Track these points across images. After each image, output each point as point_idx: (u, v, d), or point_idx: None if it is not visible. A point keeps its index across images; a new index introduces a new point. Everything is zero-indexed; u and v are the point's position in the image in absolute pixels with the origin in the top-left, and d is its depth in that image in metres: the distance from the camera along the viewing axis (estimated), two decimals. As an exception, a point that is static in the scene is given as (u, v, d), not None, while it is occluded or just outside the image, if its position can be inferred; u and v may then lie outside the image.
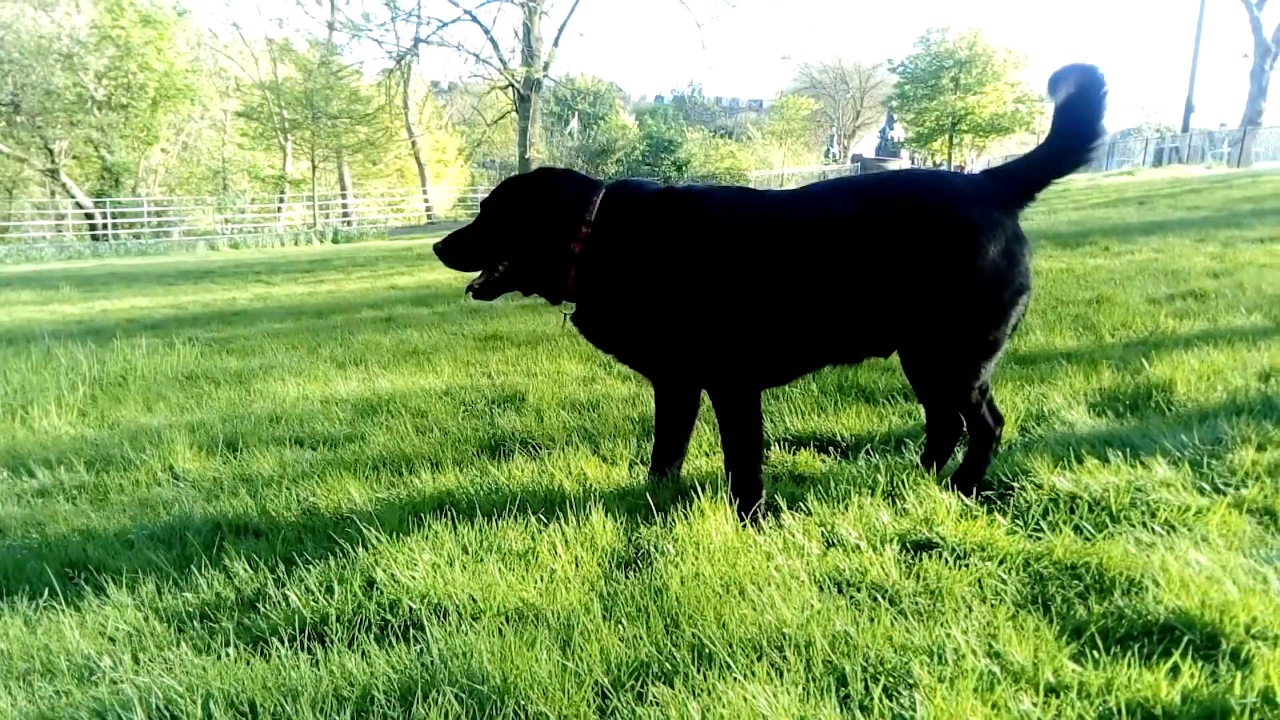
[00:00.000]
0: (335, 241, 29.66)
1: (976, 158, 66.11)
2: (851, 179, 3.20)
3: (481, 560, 2.60)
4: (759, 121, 71.56)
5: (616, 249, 2.92)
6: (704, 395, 3.19)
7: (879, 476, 3.03)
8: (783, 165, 56.29)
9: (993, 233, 2.82)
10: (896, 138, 76.28)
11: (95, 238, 33.27)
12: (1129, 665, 1.87)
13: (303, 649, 2.16)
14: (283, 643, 2.18)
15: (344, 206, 40.79)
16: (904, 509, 2.80)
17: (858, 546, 2.55)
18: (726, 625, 2.12)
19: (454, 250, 3.07)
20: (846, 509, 2.80)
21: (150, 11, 35.40)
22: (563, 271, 2.95)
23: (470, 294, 3.07)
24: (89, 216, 35.14)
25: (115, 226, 34.45)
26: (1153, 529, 2.54)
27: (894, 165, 66.53)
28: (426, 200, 42.98)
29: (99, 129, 35.58)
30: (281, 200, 41.42)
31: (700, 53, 58.37)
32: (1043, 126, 59.82)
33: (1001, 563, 2.41)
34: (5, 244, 30.82)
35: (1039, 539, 2.54)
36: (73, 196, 35.81)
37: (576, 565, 2.54)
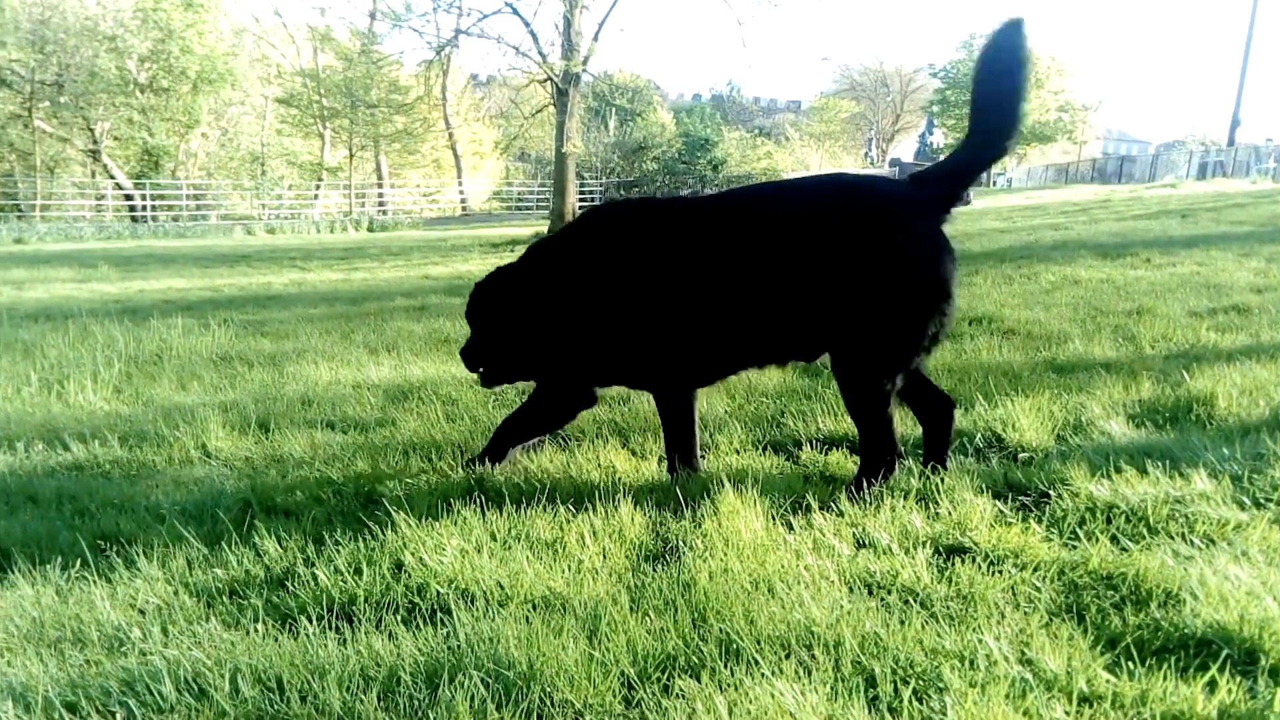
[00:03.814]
0: (371, 230, 29.86)
1: (1017, 165, 65.55)
2: (778, 183, 3.26)
3: (509, 548, 2.60)
4: (797, 123, 71.25)
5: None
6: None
7: (911, 480, 3.00)
8: (820, 167, 56.00)
9: (912, 239, 2.85)
10: (936, 143, 75.68)
11: (134, 219, 33.70)
12: (1165, 678, 1.84)
13: (331, 628, 2.17)
14: (311, 621, 2.19)
15: (380, 196, 41.05)
16: (936, 513, 2.77)
17: (889, 549, 2.52)
18: (754, 622, 2.10)
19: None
20: (878, 511, 2.77)
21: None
22: None
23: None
24: (128, 198, 35.61)
25: (154, 209, 34.88)
26: (1191, 542, 2.49)
27: (931, 171, 66.07)
28: (462, 192, 43.22)
29: (140, 111, 36.05)
30: (319, 187, 41.76)
31: (740, 51, 57.96)
32: (1086, 136, 59.30)
33: (1035, 570, 2.37)
34: (46, 222, 31.27)
35: (1074, 548, 2.50)
36: (113, 177, 36.29)
37: (604, 557, 2.53)
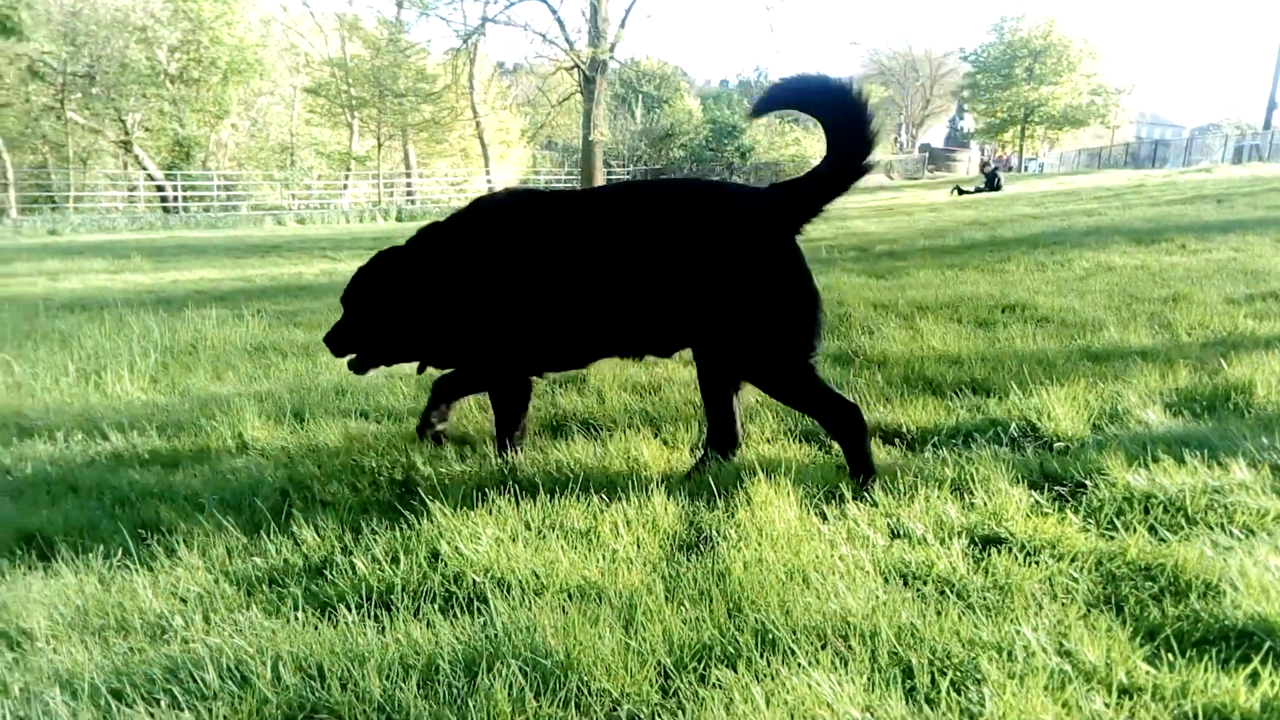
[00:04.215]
0: (399, 219, 30.00)
1: (1049, 150, 64.84)
2: (636, 184, 3.39)
3: (544, 537, 2.62)
4: (825, 108, 70.78)
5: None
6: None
7: (946, 470, 2.98)
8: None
9: (761, 249, 2.99)
10: (966, 128, 75.04)
11: (166, 209, 34.06)
12: (1205, 670, 1.82)
13: (370, 617, 2.19)
14: (350, 610, 2.21)
15: (408, 185, 41.23)
16: (971, 503, 2.76)
17: (924, 539, 2.51)
18: (790, 612, 2.10)
19: None
20: (912, 501, 2.76)
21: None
22: None
23: None
24: (160, 189, 35.98)
25: (185, 199, 35.21)
26: (1231, 532, 2.47)
27: (963, 156, 65.52)
28: (489, 180, 43.28)
29: (171, 102, 36.38)
30: (347, 177, 41.98)
31: (768, 36, 57.70)
32: (1119, 120, 58.53)
33: (1073, 561, 2.36)
34: (79, 213, 31.67)
35: (1112, 538, 2.48)
36: (144, 168, 36.67)
37: (638, 546, 2.54)
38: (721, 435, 3.30)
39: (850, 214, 19.90)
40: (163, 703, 1.88)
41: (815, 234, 10.67)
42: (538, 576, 2.36)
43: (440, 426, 3.70)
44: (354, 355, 3.57)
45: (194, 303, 8.19)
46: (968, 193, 28.51)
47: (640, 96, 48.88)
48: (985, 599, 2.19)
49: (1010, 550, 2.44)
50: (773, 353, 2.99)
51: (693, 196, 3.15)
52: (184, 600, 2.38)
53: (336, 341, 3.57)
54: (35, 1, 31.83)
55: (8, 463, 3.61)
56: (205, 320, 6.86)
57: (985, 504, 2.73)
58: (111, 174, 38.78)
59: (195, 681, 1.93)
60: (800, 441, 3.50)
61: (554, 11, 20.24)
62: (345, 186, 40.92)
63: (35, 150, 37.42)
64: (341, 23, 39.88)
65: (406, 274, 3.40)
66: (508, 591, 2.29)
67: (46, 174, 36.43)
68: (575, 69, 20.40)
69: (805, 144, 51.69)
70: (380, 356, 3.57)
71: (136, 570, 2.54)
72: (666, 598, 2.20)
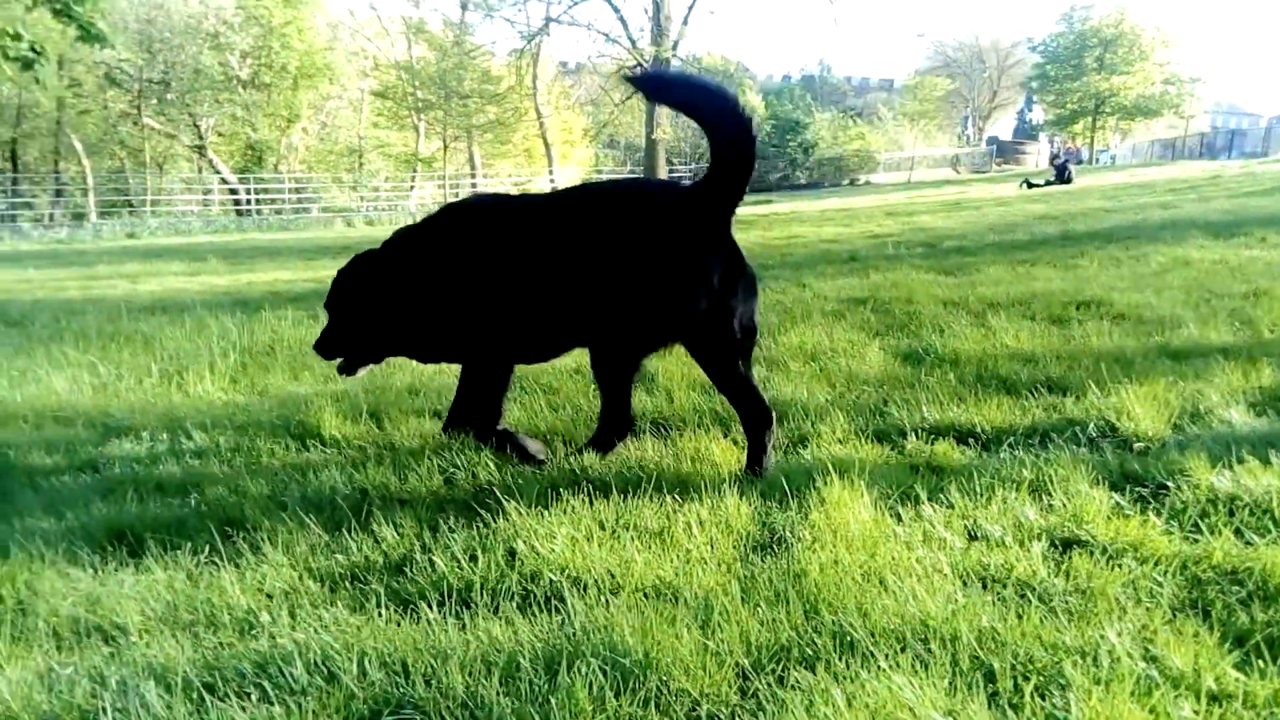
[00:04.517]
0: (464, 220, 30.25)
1: (1121, 142, 63.35)
2: (585, 186, 3.72)
3: (618, 537, 2.64)
4: (889, 101, 69.87)
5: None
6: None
7: (1023, 470, 2.94)
8: (914, 147, 54.91)
9: (680, 241, 3.16)
10: (1035, 120, 73.55)
11: (239, 212, 34.86)
12: (1300, 678, 1.78)
13: (451, 614, 2.23)
14: (431, 607, 2.26)
15: (473, 185, 41.62)
16: (1050, 505, 2.72)
17: (1002, 541, 2.49)
18: (868, 614, 2.09)
19: None
20: (989, 503, 2.73)
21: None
22: None
23: None
24: (233, 192, 36.87)
25: (258, 202, 36.01)
26: (1323, 537, 2.40)
27: (1032, 148, 64.30)
28: (553, 180, 43.53)
29: (243, 107, 37.22)
30: (414, 179, 42.56)
31: (832, 30, 57.29)
32: (1193, 110, 56.98)
33: (1156, 564, 2.32)
34: (156, 217, 32.57)
35: (1196, 541, 2.44)
36: (218, 172, 37.61)
37: (711, 546, 2.55)
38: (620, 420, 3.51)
39: (916, 209, 19.67)
40: (253, 697, 1.94)
41: (880, 230, 10.72)
42: (613, 576, 2.39)
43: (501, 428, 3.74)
44: (341, 358, 3.77)
45: (269, 304, 8.37)
46: (1037, 186, 27.97)
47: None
48: (1067, 603, 2.16)
49: (1091, 553, 2.41)
50: (705, 336, 3.19)
51: (629, 196, 3.43)
52: (270, 596, 2.44)
53: (324, 346, 3.77)
54: (111, 10, 32.81)
55: (97, 461, 3.73)
56: (281, 321, 7.01)
57: (1064, 506, 2.69)
58: (186, 178, 39.84)
59: (284, 676, 1.98)
60: (872, 441, 3.48)
61: (617, 10, 20.41)
62: (412, 188, 41.49)
63: (113, 156, 38.60)
64: (408, 26, 40.42)
65: (383, 275, 3.60)
66: (584, 590, 2.32)
67: (124, 179, 37.53)
68: (638, 67, 20.42)
69: (869, 138, 51.20)
70: (366, 356, 3.77)
71: (223, 566, 2.61)
72: (743, 598, 2.21)
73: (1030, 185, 28.29)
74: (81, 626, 2.32)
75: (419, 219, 3.74)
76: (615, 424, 3.47)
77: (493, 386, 3.64)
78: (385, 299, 3.58)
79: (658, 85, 3.57)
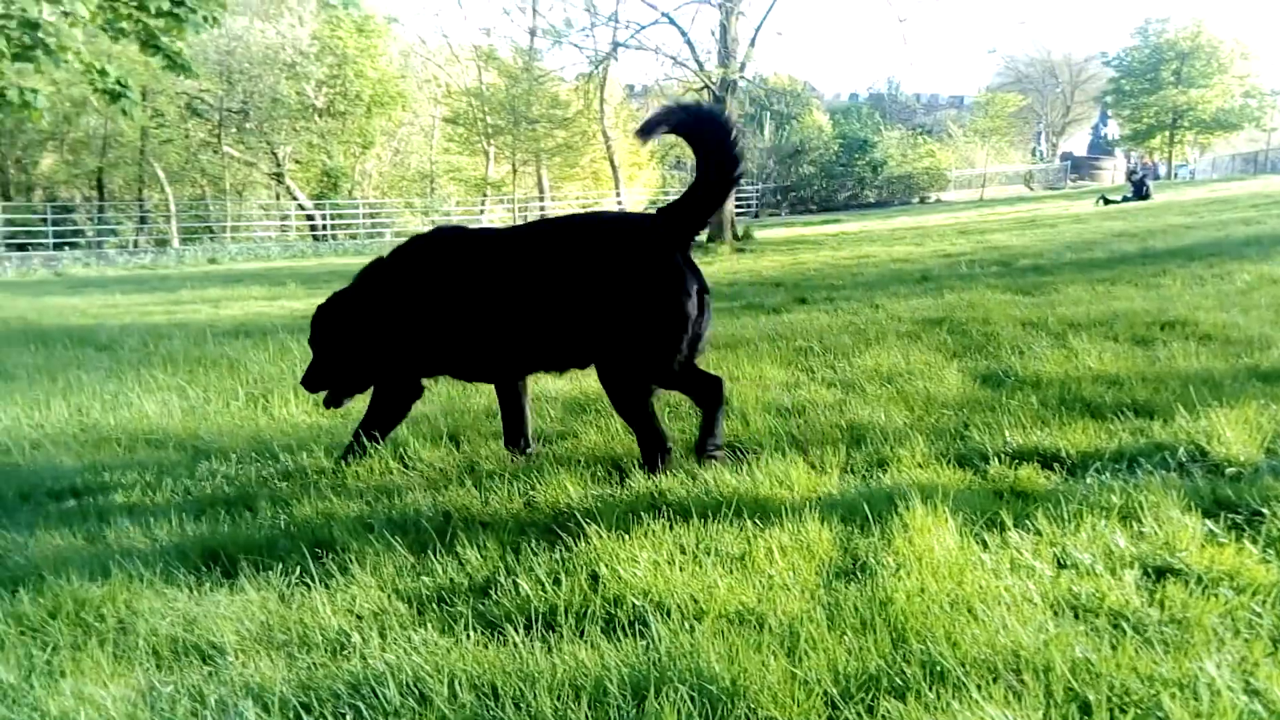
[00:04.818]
0: (533, 242, 30.55)
1: (1200, 156, 61.76)
2: (551, 221, 4.05)
3: (699, 561, 2.64)
4: (960, 118, 69.01)
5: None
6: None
7: (1112, 496, 2.88)
8: (985, 164, 54.13)
9: (652, 269, 3.41)
10: (1110, 135, 72.02)
11: (315, 237, 35.69)
12: None
13: (536, 637, 2.26)
14: (517, 629, 2.28)
15: (541, 208, 42.08)
16: (1141, 531, 2.66)
17: (1093, 569, 2.44)
18: (957, 644, 2.07)
19: None
20: (1078, 530, 2.68)
21: (363, 21, 37.72)
22: None
23: None
24: (309, 217, 37.77)
25: (333, 227, 36.83)
26: None
27: (1107, 164, 63.02)
28: (620, 202, 43.78)
29: (319, 135, 38.16)
30: (483, 202, 43.17)
31: (901, 48, 56.81)
32: (1275, 123, 55.38)
33: (1254, 594, 2.25)
34: (236, 242, 33.49)
35: (1297, 572, 2.36)
36: (295, 198, 38.57)
37: (794, 572, 2.54)
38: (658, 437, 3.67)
39: (989, 227, 19.40)
40: (348, 717, 1.98)
41: (953, 248, 10.56)
42: (696, 601, 2.39)
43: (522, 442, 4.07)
44: (325, 392, 4.08)
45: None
46: (1114, 202, 27.40)
47: (769, 114, 48.75)
48: (1162, 633, 2.11)
49: (1185, 582, 2.35)
50: (634, 361, 3.49)
51: (582, 230, 3.70)
52: (360, 617, 2.49)
53: (311, 382, 4.06)
54: (194, 41, 33.92)
55: (189, 483, 3.84)
56: (359, 345, 7.14)
57: (1156, 533, 2.63)
58: (265, 204, 40.95)
59: (377, 698, 2.02)
60: (953, 466, 3.43)
61: (684, 34, 20.34)
62: (481, 211, 42.09)
63: (195, 183, 39.85)
64: (478, 54, 41.10)
65: (355, 309, 3.92)
66: (667, 615, 2.32)
67: (205, 205, 38.69)
68: (705, 89, 20.44)
69: (940, 155, 50.62)
70: (350, 387, 4.06)
71: (314, 587, 2.67)
72: (829, 625, 2.19)
73: (1107, 201, 27.73)
74: (180, 645, 2.39)
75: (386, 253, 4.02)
76: (656, 444, 3.61)
77: (400, 404, 4.06)
78: (359, 331, 3.90)
79: (653, 124, 3.62)
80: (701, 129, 3.51)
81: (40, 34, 11.84)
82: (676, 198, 3.62)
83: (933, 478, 3.28)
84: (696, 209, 3.53)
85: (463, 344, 3.76)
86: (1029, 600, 2.28)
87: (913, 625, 2.16)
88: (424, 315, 3.75)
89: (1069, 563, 2.50)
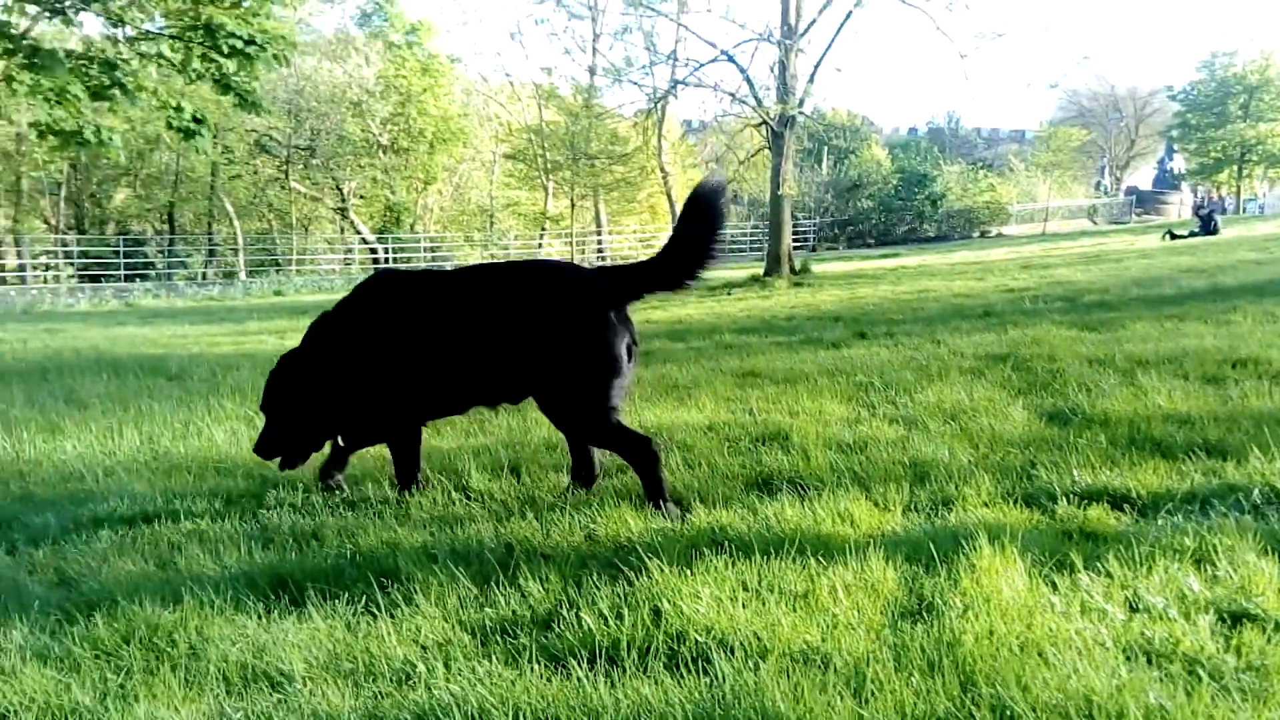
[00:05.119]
0: (590, 275, 30.75)
1: (1269, 190, 60.40)
2: (489, 266, 4.10)
3: (761, 598, 2.63)
4: (1021, 152, 68.28)
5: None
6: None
7: (1185, 539, 2.82)
8: (1048, 198, 53.48)
9: (586, 322, 3.61)
10: (1176, 169, 70.75)
11: (378, 270, 36.29)
12: None
13: (600, 672, 2.26)
14: (580, 663, 2.29)
15: (598, 242, 42.41)
16: (1215, 575, 2.60)
17: (1166, 614, 2.38)
18: (1028, 688, 2.03)
19: None
20: (1150, 572, 2.62)
21: (428, 61, 38.57)
22: None
23: None
24: (373, 251, 38.53)
25: (395, 260, 37.45)
26: None
27: (1174, 198, 61.96)
28: (677, 236, 43.94)
29: (383, 170, 39.01)
30: (541, 236, 43.65)
31: (961, 84, 56.39)
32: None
33: (1338, 643, 2.19)
34: (300, 275, 34.24)
35: (1384, 620, 2.29)
36: (359, 232, 39.41)
37: (858, 611, 2.52)
38: (582, 470, 3.98)
39: (1053, 262, 19.14)
40: (416, 747, 2.00)
41: (1015, 283, 10.45)
42: (759, 639, 2.38)
43: (339, 477, 4.29)
44: (280, 456, 4.11)
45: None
46: (1181, 237, 26.89)
47: (827, 148, 48.73)
48: (1240, 681, 2.06)
49: (1263, 628, 2.29)
50: (573, 404, 3.69)
51: (523, 276, 3.88)
52: (424, 647, 2.51)
53: (265, 448, 4.11)
54: (265, 80, 34.94)
55: (258, 511, 3.92)
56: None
57: (1231, 576, 2.57)
58: (329, 238, 41.89)
59: (442, 728, 2.04)
60: (1020, 505, 3.38)
61: (743, 71, 20.44)
62: (539, 245, 42.55)
63: (262, 217, 40.97)
64: (539, 92, 41.74)
65: (307, 369, 4.04)
66: (731, 653, 2.31)
67: (271, 239, 39.66)
68: (763, 125, 20.51)
69: (1000, 190, 50.13)
70: (305, 447, 4.12)
71: (380, 616, 2.71)
72: (895, 666, 2.17)
73: (1174, 236, 27.23)
74: (249, 672, 2.43)
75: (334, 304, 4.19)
76: (584, 473, 3.96)
77: (412, 444, 4.14)
78: (311, 389, 4.00)
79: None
80: (700, 213, 3.65)
81: (118, 73, 12.31)
82: (631, 263, 3.89)
83: (999, 517, 3.23)
84: (640, 283, 3.71)
85: (407, 386, 3.93)
86: (1100, 644, 2.23)
87: (981, 668, 2.13)
88: (375, 360, 3.93)
89: (1141, 606, 2.45)
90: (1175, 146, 66.12)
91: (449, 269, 4.25)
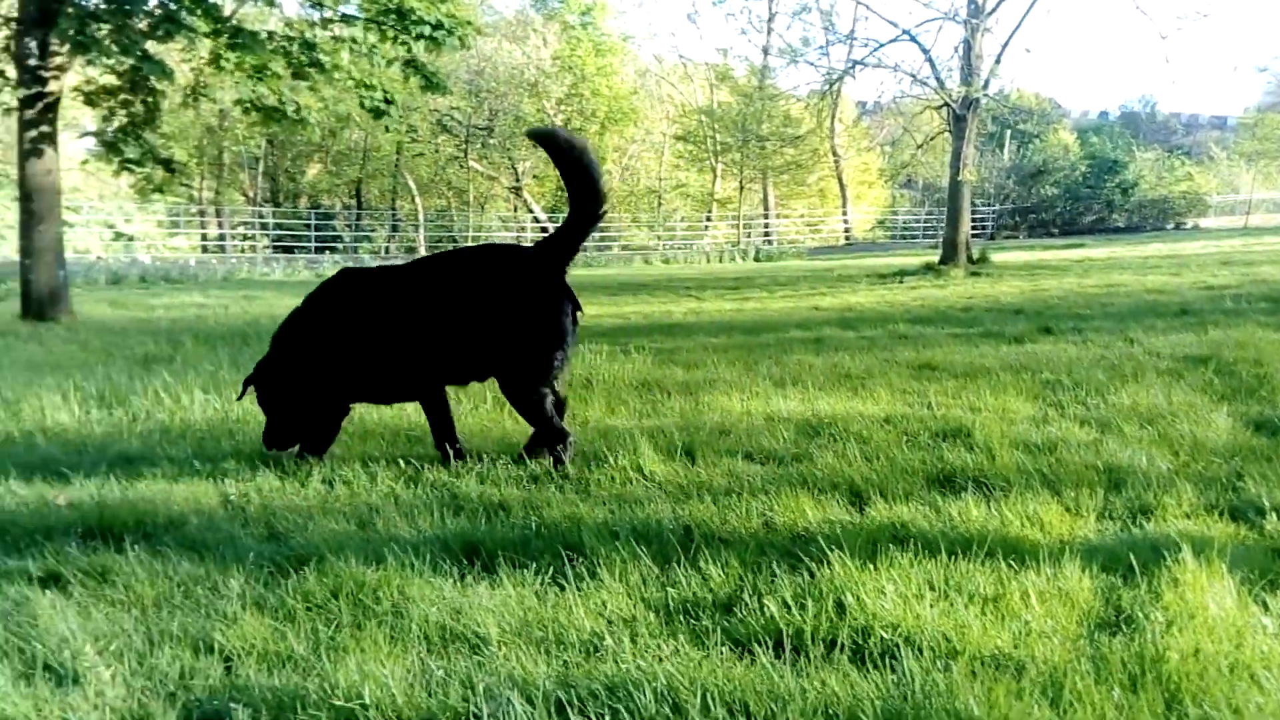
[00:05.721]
0: (757, 260, 30.67)
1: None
2: (452, 252, 4.68)
3: (949, 600, 2.58)
4: (1223, 140, 63.72)
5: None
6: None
7: None
8: (1251, 190, 49.80)
9: (532, 293, 4.12)
10: None
11: (548, 248, 37.16)
12: None
13: (784, 660, 2.27)
14: (765, 650, 2.31)
15: (766, 226, 42.13)
16: None
17: (1395, 644, 2.22)
18: (1240, 711, 1.93)
19: None
20: (1378, 599, 2.44)
21: (602, 41, 39.09)
22: None
23: None
24: (544, 230, 39.38)
25: (566, 239, 38.22)
26: None
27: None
28: (846, 221, 43.25)
29: (556, 151, 39.79)
30: (709, 218, 43.70)
31: (1160, 66, 53.12)
32: None
33: None
34: (478, 253, 35.37)
35: None
36: (531, 211, 40.45)
37: (1052, 619, 2.44)
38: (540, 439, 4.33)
39: (1257, 258, 17.84)
40: (606, 718, 2.06)
41: (1215, 280, 9.83)
42: (948, 640, 2.34)
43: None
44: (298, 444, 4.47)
45: (582, 339, 8.85)
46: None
47: (1010, 132, 46.78)
48: None
49: None
50: (516, 372, 4.16)
51: (472, 259, 4.32)
52: (610, 622, 2.59)
53: (272, 440, 4.41)
54: (447, 62, 36.21)
55: (447, 479, 4.09)
56: (595, 356, 7.40)
57: None
58: (503, 216, 43.17)
59: (633, 702, 2.09)
60: (1225, 518, 3.20)
61: (925, 51, 19.79)
62: (706, 228, 42.60)
63: (441, 195, 42.64)
64: (713, 72, 41.72)
65: (286, 360, 4.37)
66: (919, 652, 2.29)
67: (449, 216, 41.21)
68: (944, 107, 19.83)
69: (1198, 179, 47.07)
70: (321, 429, 4.51)
71: (567, 588, 2.80)
72: (1095, 678, 2.10)
73: (1398, 233, 24.91)
74: (448, 633, 2.55)
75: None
76: (555, 438, 4.23)
77: (332, 422, 4.52)
78: (297, 377, 4.34)
79: (541, 136, 4.66)
80: (575, 170, 4.16)
81: (316, 53, 13.01)
82: (556, 230, 4.36)
83: (1202, 530, 3.07)
84: (569, 240, 4.22)
85: (382, 368, 4.31)
86: (1323, 673, 2.10)
87: (1188, 687, 2.04)
88: (345, 346, 4.27)
89: (1368, 635, 2.29)
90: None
91: (402, 263, 4.65)
